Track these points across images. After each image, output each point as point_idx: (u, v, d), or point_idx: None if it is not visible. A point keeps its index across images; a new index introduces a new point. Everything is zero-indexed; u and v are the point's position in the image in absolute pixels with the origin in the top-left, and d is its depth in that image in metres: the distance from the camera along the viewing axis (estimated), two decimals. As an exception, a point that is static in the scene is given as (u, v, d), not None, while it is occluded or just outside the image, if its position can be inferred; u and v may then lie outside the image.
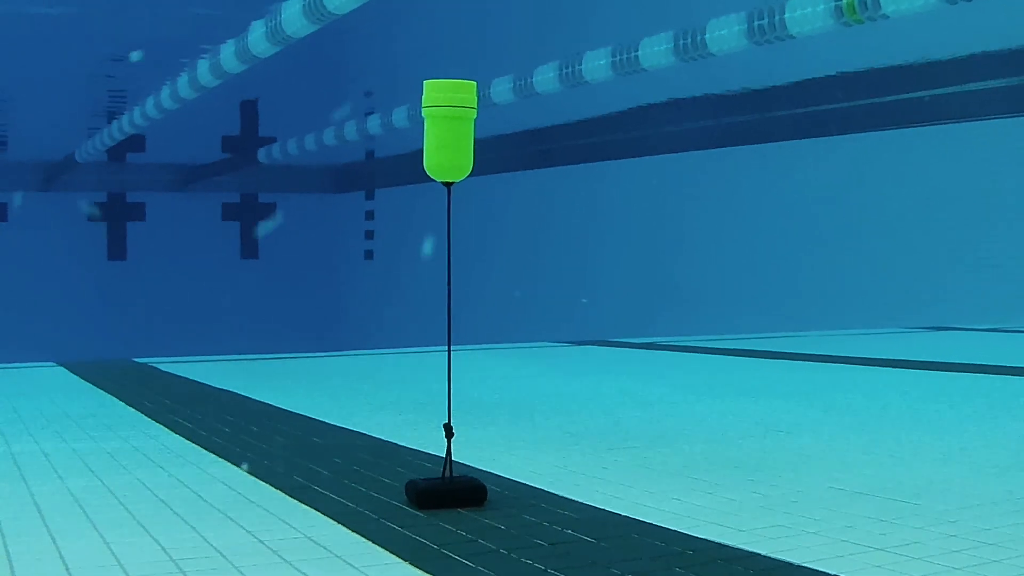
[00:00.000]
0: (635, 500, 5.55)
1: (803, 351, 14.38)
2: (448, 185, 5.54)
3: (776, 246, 25.02)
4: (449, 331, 5.51)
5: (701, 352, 14.77)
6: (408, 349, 15.81)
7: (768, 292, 24.67)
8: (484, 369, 12.60)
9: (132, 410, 9.40)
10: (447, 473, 5.47)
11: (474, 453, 6.73)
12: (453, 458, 5.58)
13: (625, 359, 14.37)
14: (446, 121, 5.39)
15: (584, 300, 26.30)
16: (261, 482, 6.12)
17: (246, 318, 37.90)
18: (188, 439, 7.69)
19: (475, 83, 5.45)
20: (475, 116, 5.44)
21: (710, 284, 26.14)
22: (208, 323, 37.02)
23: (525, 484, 5.93)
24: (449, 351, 5.55)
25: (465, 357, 13.23)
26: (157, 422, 8.59)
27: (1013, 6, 19.30)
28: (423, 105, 5.44)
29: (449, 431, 5.49)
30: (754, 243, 25.56)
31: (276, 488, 5.93)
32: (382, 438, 7.57)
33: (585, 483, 5.99)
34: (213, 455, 7.04)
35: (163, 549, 4.70)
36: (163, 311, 38.23)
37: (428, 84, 5.45)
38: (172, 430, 8.15)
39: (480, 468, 6.26)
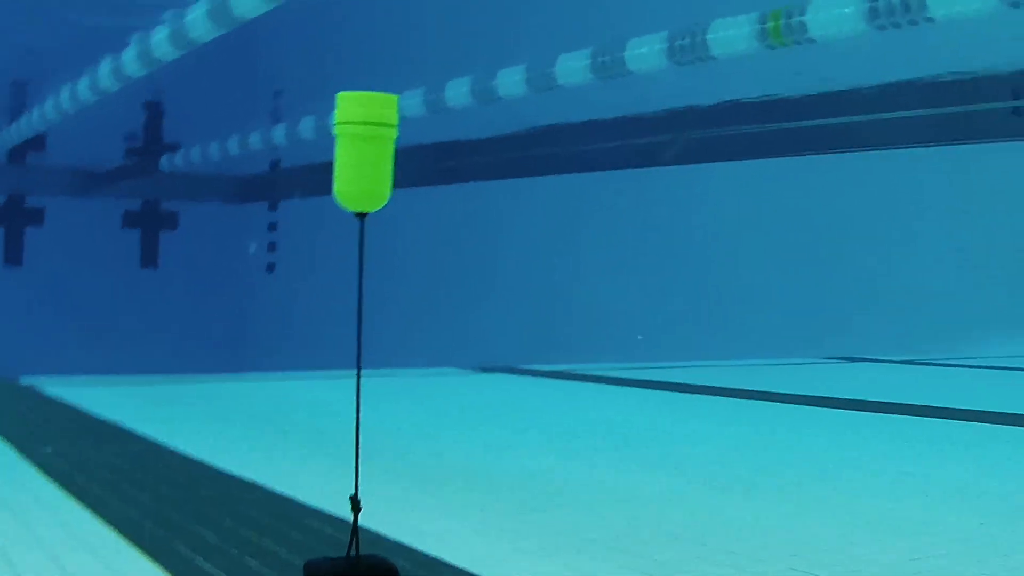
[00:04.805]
0: (565, 582, 4.84)
1: (712, 383, 13.89)
2: (361, 216, 4.71)
3: (687, 272, 24.63)
4: (358, 392, 4.69)
5: (611, 384, 14.22)
6: (311, 373, 15.04)
7: (677, 319, 24.23)
8: (392, 403, 11.81)
9: (2, 444, 8.52)
10: (352, 552, 4.67)
11: (382, 513, 5.91)
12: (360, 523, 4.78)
13: (536, 391, 13.73)
14: (362, 141, 4.49)
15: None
16: (135, 549, 5.28)
17: (146, 329, 36.70)
18: (59, 485, 6.84)
19: (397, 96, 4.63)
20: (396, 136, 4.60)
21: (617, 310, 25.60)
22: (107, 334, 35.77)
23: (438, 559, 5.16)
24: (358, 420, 4.70)
25: (372, 385, 12.48)
26: (27, 460, 7.74)
27: (934, 37, 19.02)
28: (335, 121, 4.53)
29: (356, 505, 4.67)
30: (665, 269, 25.13)
31: (152, 559, 5.09)
32: (279, 491, 6.74)
33: (502, 555, 5.26)
34: (84, 508, 6.19)
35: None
36: (60, 321, 36.87)
37: (342, 97, 4.54)
38: (43, 472, 7.29)
39: (388, 536, 5.48)
